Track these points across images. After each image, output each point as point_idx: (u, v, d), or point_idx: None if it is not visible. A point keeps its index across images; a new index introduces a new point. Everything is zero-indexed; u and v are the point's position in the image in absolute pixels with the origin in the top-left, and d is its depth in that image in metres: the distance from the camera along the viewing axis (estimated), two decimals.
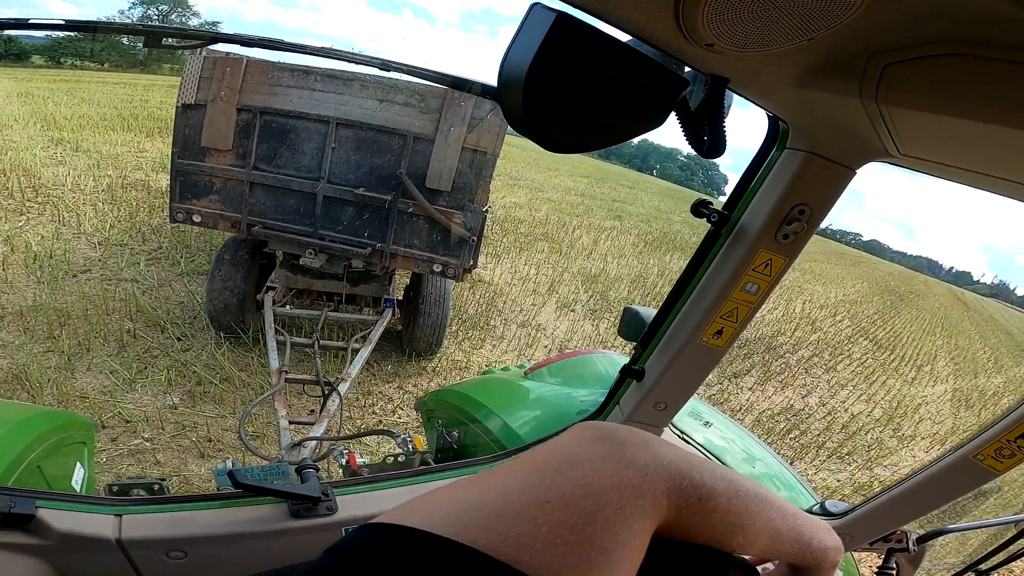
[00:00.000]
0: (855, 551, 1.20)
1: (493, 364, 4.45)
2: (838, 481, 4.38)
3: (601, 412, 1.21)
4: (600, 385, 1.55)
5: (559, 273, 7.78)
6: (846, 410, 6.07)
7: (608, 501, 0.32)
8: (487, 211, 3.49)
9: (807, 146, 0.69)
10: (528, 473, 0.34)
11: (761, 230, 0.76)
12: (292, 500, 0.93)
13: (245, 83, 3.12)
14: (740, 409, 5.25)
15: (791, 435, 5.00)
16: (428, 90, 3.14)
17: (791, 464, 4.38)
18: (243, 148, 3.24)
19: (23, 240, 4.66)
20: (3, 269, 4.13)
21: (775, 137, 0.73)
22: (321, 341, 3.18)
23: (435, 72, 0.65)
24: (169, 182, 3.35)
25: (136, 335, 3.66)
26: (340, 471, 1.62)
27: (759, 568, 0.66)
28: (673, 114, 0.55)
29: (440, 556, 0.27)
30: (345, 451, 1.62)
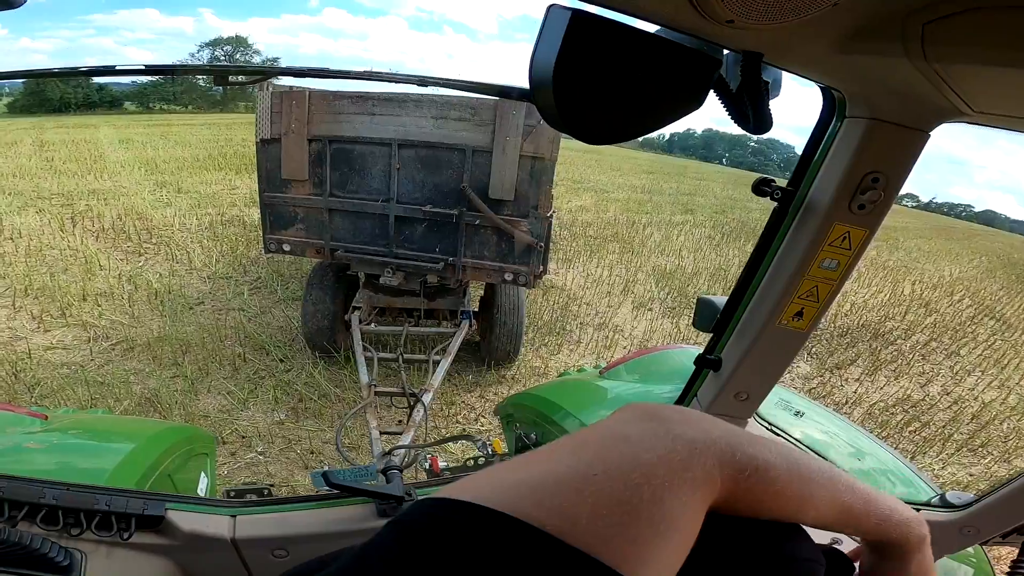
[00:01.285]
0: (986, 545, 1.08)
1: (571, 368, 4.43)
2: (970, 476, 3.88)
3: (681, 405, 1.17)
4: (678, 380, 1.50)
5: (632, 273, 7.59)
6: (975, 398, 5.34)
7: (655, 474, 0.32)
8: (551, 216, 3.50)
9: (868, 113, 0.65)
10: (575, 449, 0.34)
11: (833, 202, 0.72)
12: (378, 499, 0.99)
13: (311, 114, 3.27)
14: (847, 402, 4.81)
15: (910, 428, 4.49)
16: (480, 103, 3.18)
17: (912, 459, 3.96)
18: (318, 177, 3.43)
19: (144, 279, 5.30)
20: (131, 306, 4.72)
21: (832, 107, 0.70)
22: (404, 355, 3.35)
23: (472, 83, 0.67)
24: (260, 216, 3.63)
25: (246, 359, 4.04)
26: (425, 475, 1.68)
27: (840, 548, 0.64)
28: (714, 94, 0.54)
29: (491, 527, 0.27)
30: (428, 456, 1.68)
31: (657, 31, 0.48)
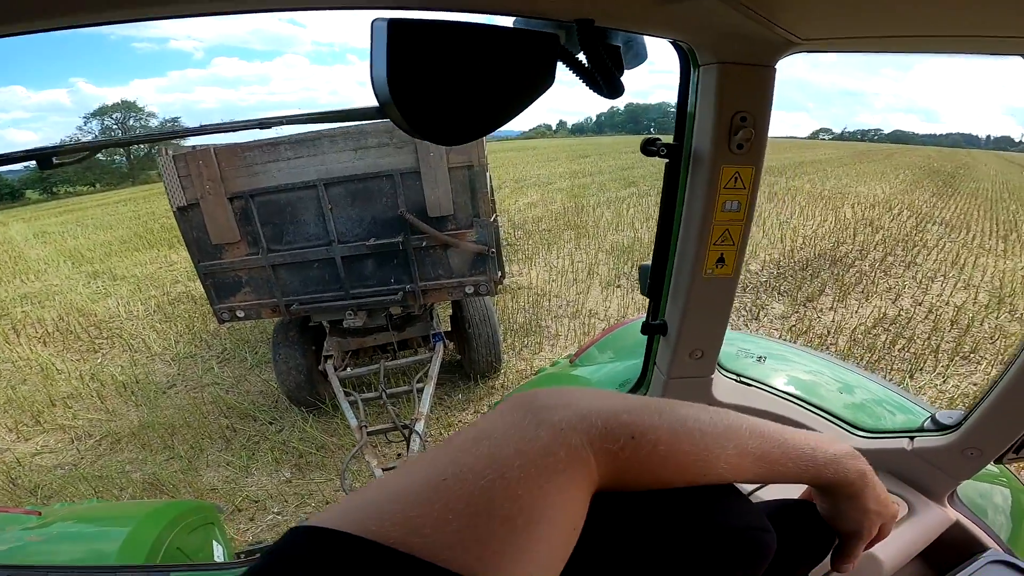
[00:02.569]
0: (1006, 465, 1.00)
1: (545, 365, 4.47)
2: (974, 385, 3.98)
3: (643, 377, 1.18)
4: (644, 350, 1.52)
5: (593, 255, 7.70)
6: (947, 303, 5.59)
7: (508, 467, 0.31)
8: (496, 220, 3.50)
9: (715, 58, 0.69)
10: (434, 456, 0.33)
11: (714, 148, 0.75)
12: None
13: (223, 171, 3.10)
14: (828, 333, 4.96)
15: (897, 346, 4.64)
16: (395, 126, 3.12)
17: (910, 378, 4.09)
18: (251, 235, 3.27)
19: (107, 374, 5.10)
20: (103, 402, 4.56)
21: (685, 58, 0.73)
22: (388, 391, 3.29)
23: (325, 113, 0.66)
24: (203, 288, 3.49)
25: (235, 429, 3.96)
26: None
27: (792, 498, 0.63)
28: (565, 67, 0.55)
29: (339, 551, 0.27)
30: None
31: (490, 21, 0.48)
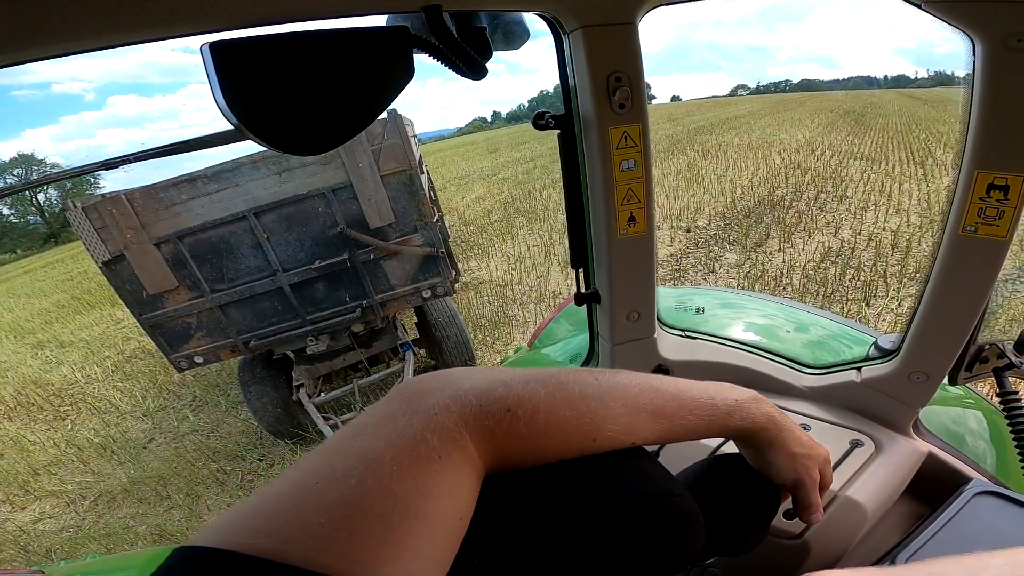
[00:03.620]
0: (963, 385, 0.95)
1: (508, 354, 4.53)
2: None
3: (591, 349, 1.20)
4: None
5: (547, 238, 7.76)
6: (883, 230, 5.90)
7: (380, 461, 0.30)
8: (440, 219, 3.48)
9: (578, 23, 0.70)
10: (311, 458, 0.32)
11: (597, 111, 0.77)
12: None
13: (141, 217, 2.92)
14: (781, 275, 5.17)
15: (847, 277, 4.85)
16: None
17: (867, 306, 4.28)
18: (189, 278, 3.14)
19: (82, 438, 4.93)
20: (85, 464, 4.43)
21: (555, 29, 0.75)
22: (366, 408, 3.25)
23: (184, 142, 0.65)
24: (153, 341, 3.34)
25: (225, 471, 3.88)
26: None
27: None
28: (428, 57, 0.55)
29: (211, 567, 0.26)
30: None
31: (337, 27, 0.47)
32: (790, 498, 0.56)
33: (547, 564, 0.35)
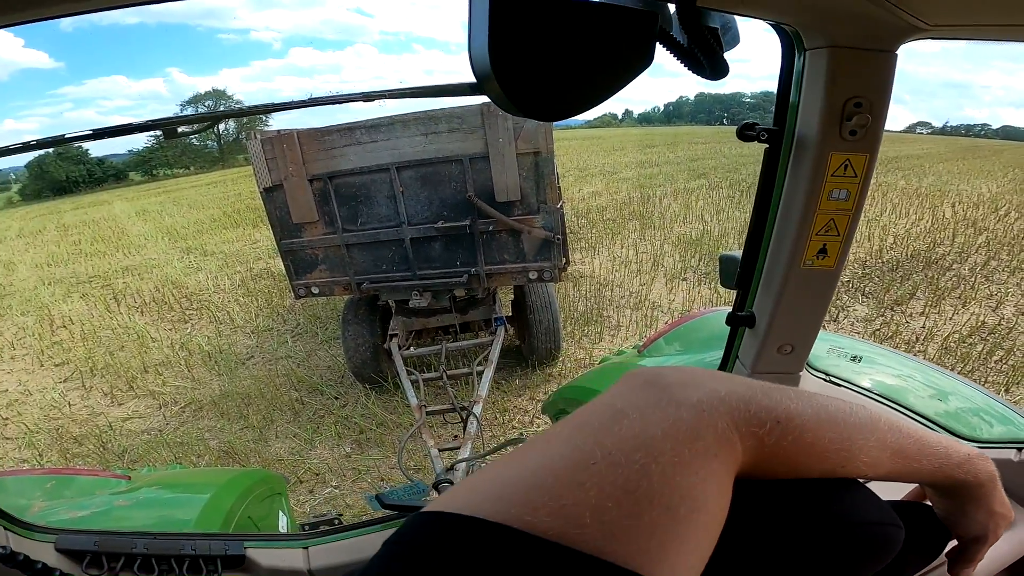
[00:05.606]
0: None
1: (609, 353, 4.39)
2: None
3: (723, 370, 1.14)
4: (719, 343, 1.45)
5: (658, 246, 7.47)
6: None
7: (661, 451, 0.29)
8: (562, 207, 3.47)
9: (826, 41, 0.65)
10: (571, 435, 0.30)
11: (822, 134, 0.70)
12: None
13: (305, 154, 3.28)
14: (916, 340, 4.58)
15: (994, 358, 4.21)
16: (465, 110, 3.16)
17: (1007, 392, 3.71)
18: (328, 215, 3.45)
19: (195, 343, 5.55)
20: (189, 370, 4.96)
21: (789, 42, 0.70)
22: (448, 372, 3.37)
23: (420, 88, 0.66)
24: (283, 265, 3.72)
25: (303, 402, 4.19)
26: None
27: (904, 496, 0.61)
28: (664, 48, 0.52)
29: (485, 542, 0.25)
30: (481, 464, 1.69)
31: None
32: None
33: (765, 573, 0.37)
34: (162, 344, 5.64)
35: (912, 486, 0.60)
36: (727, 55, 0.56)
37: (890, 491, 0.65)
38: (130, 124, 0.75)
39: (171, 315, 6.59)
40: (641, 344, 1.92)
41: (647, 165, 17.75)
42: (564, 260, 3.55)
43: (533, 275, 3.45)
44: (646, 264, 6.77)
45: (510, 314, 4.21)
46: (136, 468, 3.31)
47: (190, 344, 5.53)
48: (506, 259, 3.46)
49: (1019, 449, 0.96)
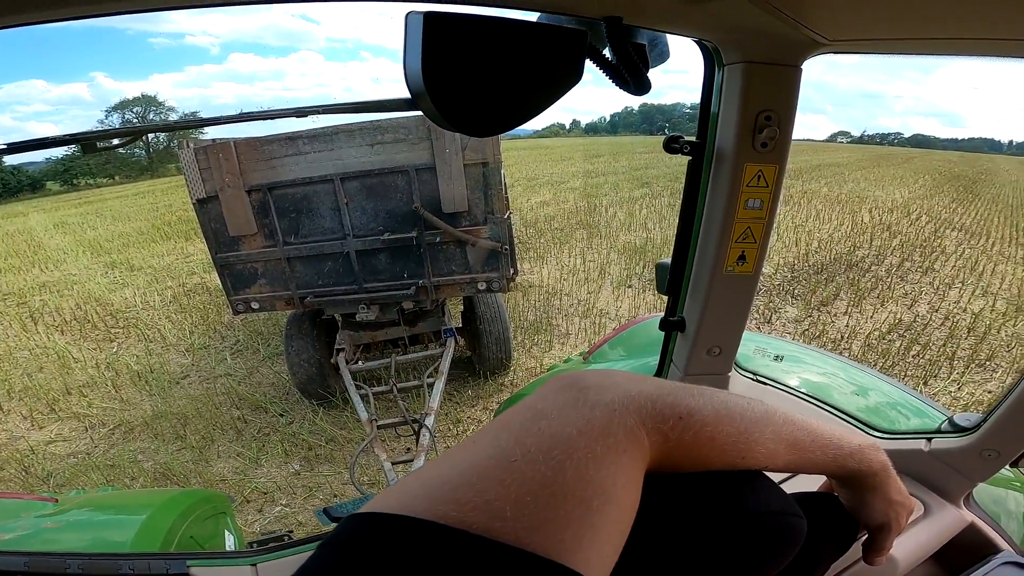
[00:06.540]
0: (1021, 470, 1.00)
1: (557, 361, 4.47)
2: (989, 393, 3.93)
3: (659, 374, 1.18)
4: (659, 347, 1.51)
5: (605, 255, 7.67)
6: (964, 310, 5.49)
7: (576, 447, 0.31)
8: (510, 217, 3.51)
9: (740, 57, 0.69)
10: (495, 435, 0.32)
11: (738, 146, 0.75)
12: None
13: (242, 164, 3.17)
14: (841, 338, 4.91)
15: (912, 352, 4.57)
16: (411, 121, 3.13)
17: (924, 384, 4.04)
18: (267, 227, 3.32)
19: (123, 363, 5.19)
20: (117, 391, 4.64)
21: (710, 57, 0.74)
22: (398, 385, 3.32)
23: (356, 103, 0.66)
24: (219, 279, 3.55)
25: (246, 420, 4.00)
26: None
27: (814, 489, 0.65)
28: (592, 64, 0.55)
29: (414, 538, 0.26)
30: None
31: (519, 16, 0.49)
32: None
33: (673, 563, 0.38)
34: (86, 364, 5.25)
35: (824, 479, 0.64)
36: (660, 69, 0.60)
37: (805, 485, 0.70)
38: (43, 139, 0.71)
39: (95, 334, 6.13)
40: (587, 351, 1.97)
41: (594, 175, 18.22)
42: (512, 270, 3.58)
43: (482, 285, 3.46)
44: (593, 272, 6.93)
45: (460, 325, 4.20)
46: (63, 491, 3.09)
47: (117, 364, 5.18)
48: (454, 270, 3.45)
49: (928, 439, 1.01)
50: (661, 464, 0.37)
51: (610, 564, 0.30)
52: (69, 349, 5.65)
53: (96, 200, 25.52)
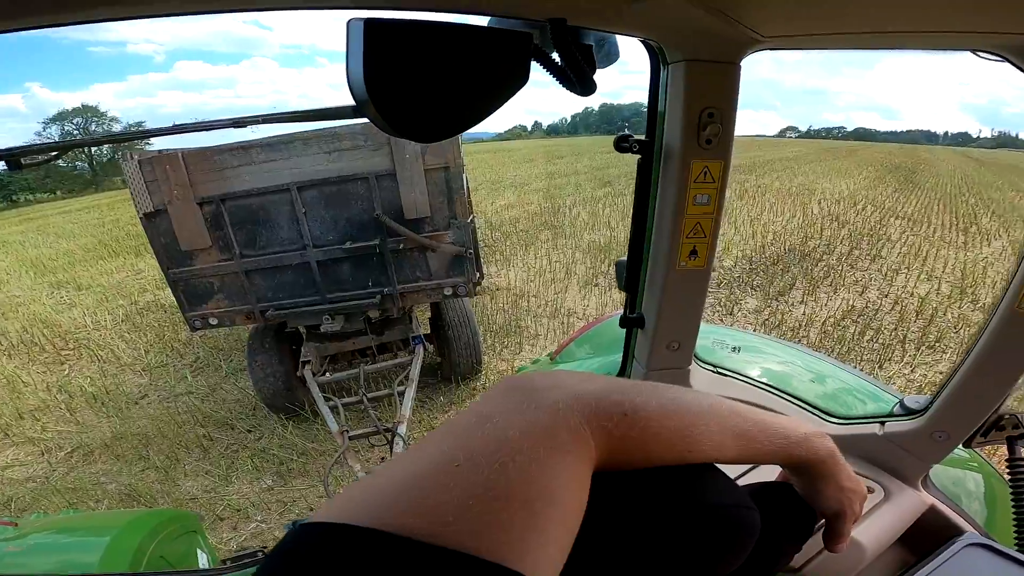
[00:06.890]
0: (973, 447, 1.01)
1: (525, 363, 4.49)
2: (940, 373, 4.12)
3: (623, 370, 1.20)
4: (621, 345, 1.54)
5: (570, 255, 7.75)
6: (911, 295, 5.79)
7: (518, 449, 0.31)
8: (473, 221, 3.49)
9: (682, 56, 0.71)
10: (440, 441, 0.32)
11: (684, 143, 0.77)
12: None
13: (192, 176, 3.03)
14: (799, 326, 5.10)
15: (866, 337, 4.78)
16: (370, 127, 3.02)
17: (879, 368, 4.23)
18: (222, 240, 3.19)
19: (76, 385, 4.95)
20: (72, 414, 4.43)
21: (655, 56, 0.76)
22: (368, 395, 3.26)
23: (302, 112, 0.65)
24: (173, 296, 3.39)
25: (212, 438, 3.88)
26: None
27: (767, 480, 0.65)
28: (538, 65, 0.56)
29: (359, 547, 0.26)
30: None
31: (465, 20, 0.49)
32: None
33: (628, 560, 0.38)
34: (36, 388, 4.99)
35: (780, 470, 0.64)
36: (617, 69, 0.61)
37: (764, 477, 0.72)
38: None
39: (43, 356, 5.82)
40: (555, 351, 1.98)
41: (556, 176, 18.41)
42: (478, 274, 3.56)
43: (448, 291, 3.43)
44: (559, 273, 6.99)
45: (429, 332, 4.16)
46: (24, 516, 2.93)
47: (70, 386, 4.93)
48: (419, 277, 3.40)
49: (882, 423, 1.02)
50: (609, 462, 0.37)
51: (558, 564, 0.30)
52: (18, 373, 5.36)
53: (37, 217, 24.16)
